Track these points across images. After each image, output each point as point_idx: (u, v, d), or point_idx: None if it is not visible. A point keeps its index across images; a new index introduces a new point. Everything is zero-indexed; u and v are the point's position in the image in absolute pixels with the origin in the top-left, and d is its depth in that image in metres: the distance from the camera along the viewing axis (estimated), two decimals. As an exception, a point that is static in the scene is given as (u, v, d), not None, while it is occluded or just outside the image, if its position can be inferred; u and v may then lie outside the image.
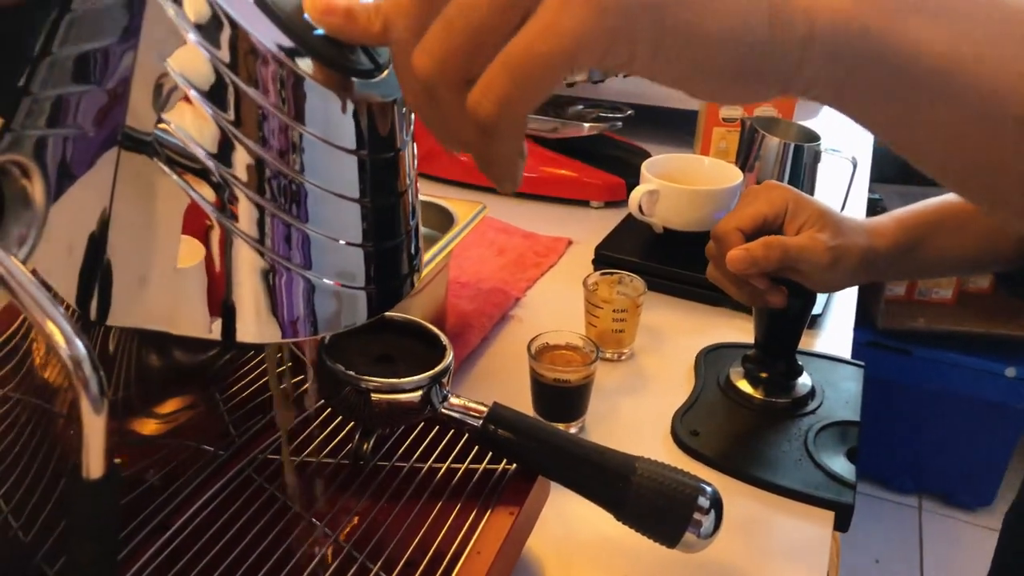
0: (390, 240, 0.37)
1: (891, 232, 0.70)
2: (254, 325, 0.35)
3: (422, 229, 0.82)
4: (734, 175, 0.95)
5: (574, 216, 1.11)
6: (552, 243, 1.02)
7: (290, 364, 0.60)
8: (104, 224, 0.33)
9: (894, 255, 0.70)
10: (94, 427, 0.28)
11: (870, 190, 1.80)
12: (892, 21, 0.32)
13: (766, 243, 0.67)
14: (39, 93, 0.31)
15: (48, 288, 0.31)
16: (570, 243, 1.03)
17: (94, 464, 0.29)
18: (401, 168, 0.36)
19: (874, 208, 1.77)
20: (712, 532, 0.52)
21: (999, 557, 0.81)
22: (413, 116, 0.38)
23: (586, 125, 1.13)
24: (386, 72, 0.34)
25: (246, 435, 0.58)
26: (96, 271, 0.34)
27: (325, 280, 0.35)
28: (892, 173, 2.12)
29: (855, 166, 1.02)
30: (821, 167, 1.01)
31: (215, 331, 0.35)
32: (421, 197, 0.81)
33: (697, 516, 0.51)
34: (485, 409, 0.55)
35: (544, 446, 0.54)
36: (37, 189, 0.29)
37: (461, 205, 0.79)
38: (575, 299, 0.83)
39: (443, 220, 0.78)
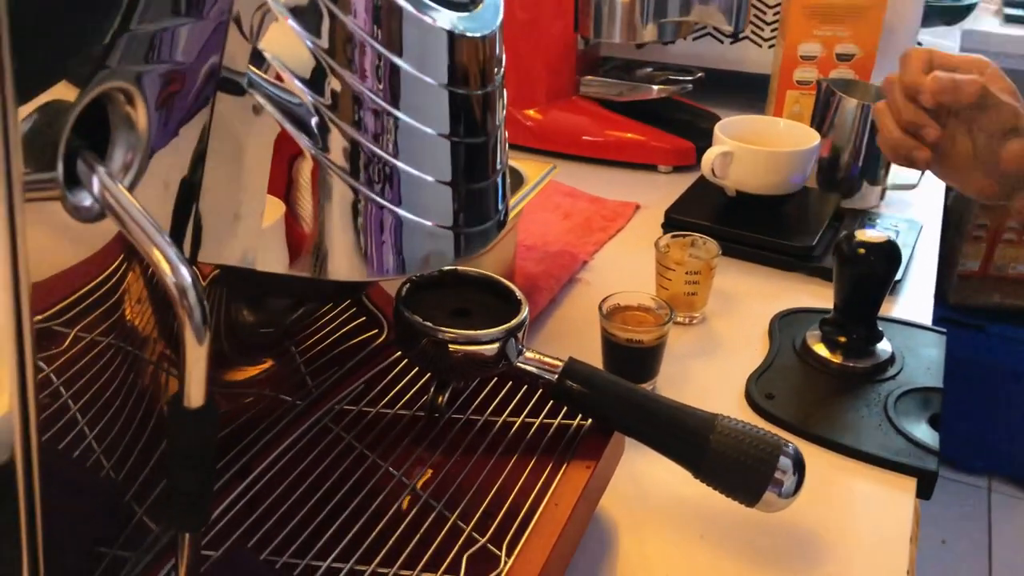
0: (479, 181, 0.36)
1: None
2: (345, 263, 0.35)
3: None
4: (811, 137, 0.92)
5: (642, 181, 1.09)
6: (620, 207, 1.01)
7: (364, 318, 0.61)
8: (198, 161, 0.33)
9: None
10: (196, 356, 0.28)
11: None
12: None
13: (968, 79, 0.64)
14: (137, 28, 0.31)
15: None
16: (638, 208, 1.02)
17: (195, 393, 0.29)
18: (491, 108, 0.35)
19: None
20: (794, 492, 0.51)
21: None
22: (504, 57, 0.37)
23: (655, 88, 1.11)
24: (481, 6, 0.34)
25: (323, 386, 0.58)
26: (190, 208, 0.34)
27: (414, 217, 0.35)
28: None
29: (937, 129, 0.98)
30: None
31: (306, 268, 0.35)
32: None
33: (779, 475, 0.50)
34: (561, 363, 0.54)
35: (621, 402, 0.53)
36: (141, 117, 0.29)
37: (530, 165, 0.78)
38: (643, 263, 0.82)
39: (514, 180, 0.77)
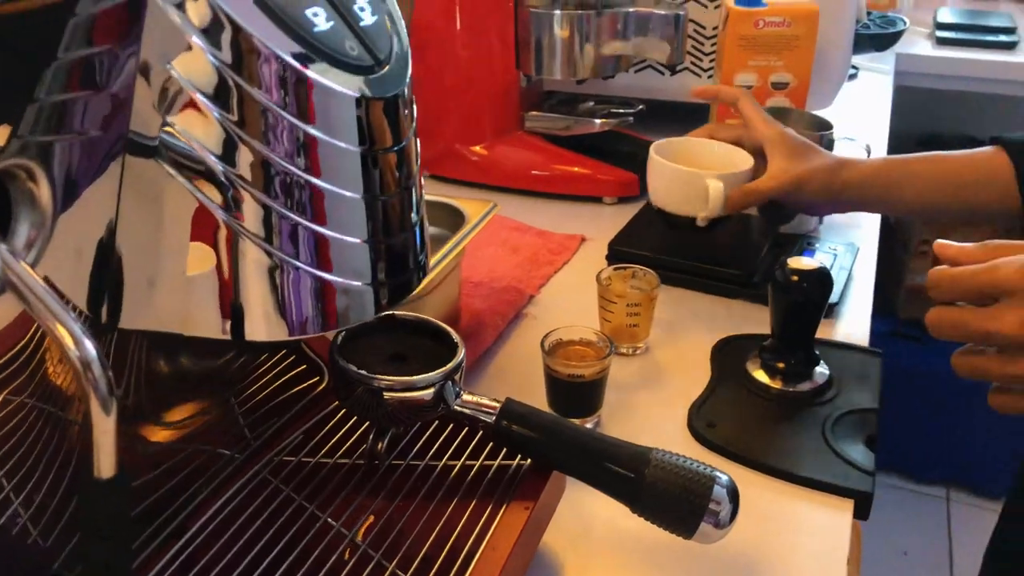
0: (396, 235, 0.37)
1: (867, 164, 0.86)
2: (263, 324, 0.35)
3: (433, 229, 0.83)
4: (743, 161, 0.93)
5: (588, 213, 1.10)
6: (566, 240, 1.02)
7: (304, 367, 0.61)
8: (112, 228, 0.34)
9: (866, 180, 0.85)
10: (104, 427, 0.28)
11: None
12: None
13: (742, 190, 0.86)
14: (44, 99, 0.32)
15: (58, 293, 0.32)
16: (584, 240, 1.03)
17: (105, 464, 0.29)
18: (404, 163, 0.36)
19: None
20: (729, 521, 0.52)
21: (994, 542, 0.81)
22: (415, 111, 0.38)
23: (597, 121, 1.13)
24: (387, 67, 0.34)
25: (261, 438, 0.58)
26: (105, 275, 0.34)
27: (332, 277, 0.35)
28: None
29: (869, 153, 1.01)
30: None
31: (225, 331, 0.35)
32: (432, 197, 0.82)
33: (713, 506, 0.51)
34: (498, 405, 0.55)
35: (557, 440, 0.54)
36: (44, 193, 0.29)
37: (472, 204, 0.79)
38: (589, 296, 0.83)
39: (454, 219, 0.78)
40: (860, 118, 1.40)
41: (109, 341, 0.43)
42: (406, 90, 0.35)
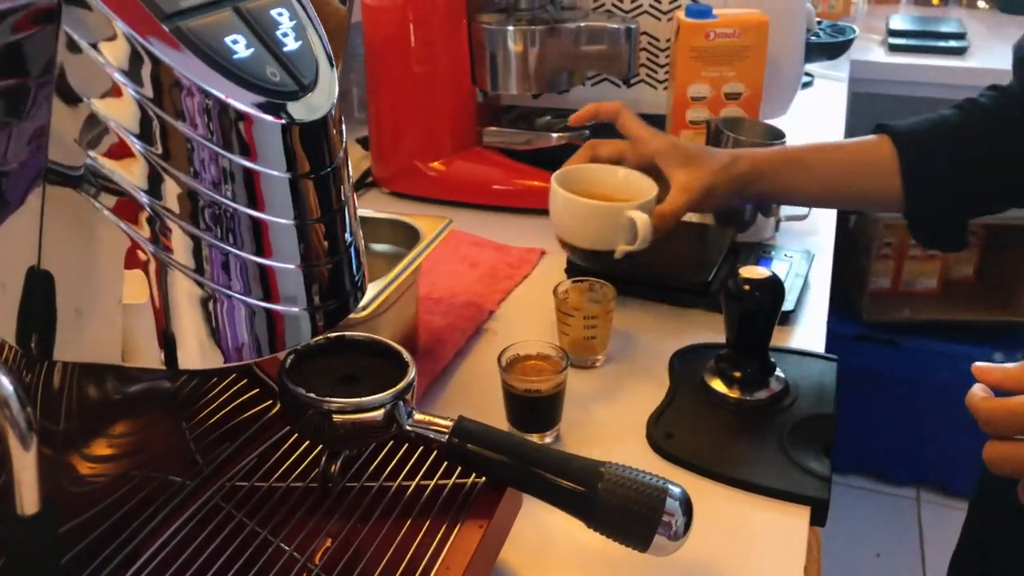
0: (328, 258, 0.37)
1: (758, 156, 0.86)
2: (197, 352, 0.35)
3: (388, 247, 0.83)
4: (649, 186, 0.84)
5: (546, 226, 1.09)
6: (525, 254, 1.02)
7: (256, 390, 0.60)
8: (36, 259, 0.33)
9: (759, 173, 0.85)
10: (24, 463, 0.28)
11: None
12: None
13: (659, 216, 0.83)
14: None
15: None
16: (543, 253, 1.03)
17: (27, 500, 0.29)
18: (334, 186, 0.36)
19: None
20: (683, 533, 0.52)
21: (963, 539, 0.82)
22: (344, 132, 0.38)
23: (554, 135, 1.13)
24: (312, 93, 0.34)
25: (213, 463, 0.58)
26: (32, 307, 0.34)
27: (266, 304, 0.35)
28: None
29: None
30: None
31: (160, 360, 0.35)
32: (386, 215, 0.82)
33: (666, 518, 0.51)
34: (450, 424, 0.55)
35: (510, 457, 0.54)
36: (-40, 229, 0.29)
37: (426, 221, 0.79)
38: (548, 309, 0.83)
39: (409, 237, 0.78)
40: (815, 125, 1.42)
41: (47, 368, 0.42)
42: (333, 112, 0.35)
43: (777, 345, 0.81)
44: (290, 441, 0.60)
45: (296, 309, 0.36)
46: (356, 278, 0.39)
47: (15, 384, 0.27)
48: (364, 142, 1.24)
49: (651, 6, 1.22)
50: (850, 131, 1.44)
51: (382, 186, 1.19)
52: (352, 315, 0.66)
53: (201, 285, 0.34)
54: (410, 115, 1.13)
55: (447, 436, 0.54)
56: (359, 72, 1.25)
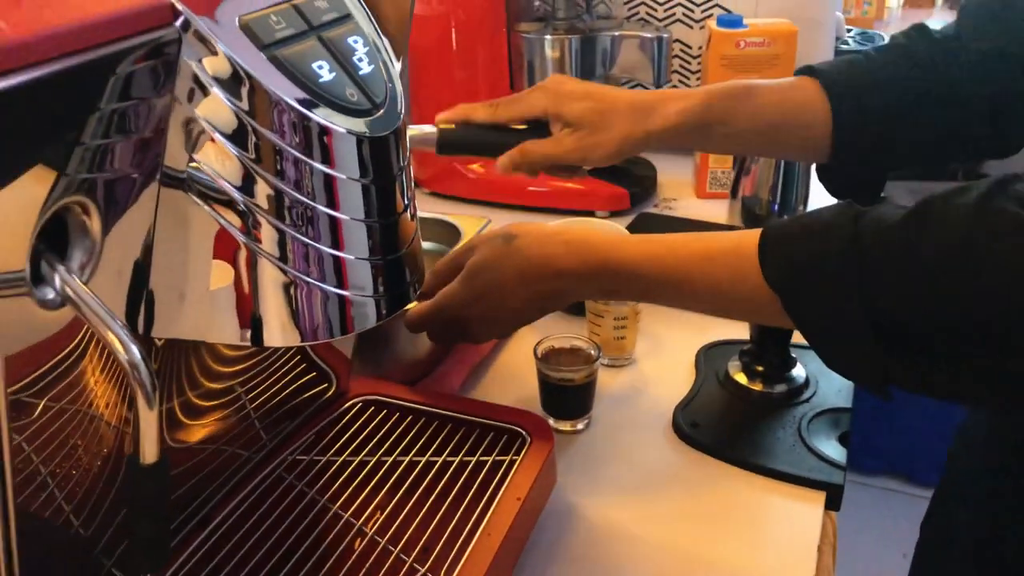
0: (393, 253, 0.42)
1: (679, 109, 0.73)
2: (279, 331, 0.41)
3: (432, 244, 0.88)
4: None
5: (580, 226, 1.15)
6: (559, 253, 1.07)
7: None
8: (148, 250, 0.39)
9: (678, 128, 0.73)
10: (148, 419, 0.33)
11: (876, 188, 1.83)
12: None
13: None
14: (89, 143, 0.37)
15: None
16: (577, 252, 1.08)
17: (148, 451, 0.34)
18: (398, 190, 0.41)
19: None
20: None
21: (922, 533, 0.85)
22: (409, 144, 0.43)
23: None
24: (382, 110, 0.40)
25: (276, 439, 0.63)
26: (141, 291, 0.40)
27: (339, 291, 0.41)
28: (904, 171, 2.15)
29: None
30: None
31: (245, 338, 0.41)
32: (430, 215, 0.87)
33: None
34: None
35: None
36: (94, 224, 0.35)
37: (467, 220, 0.85)
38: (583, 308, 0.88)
39: (451, 234, 0.83)
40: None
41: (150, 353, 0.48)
42: (399, 128, 0.41)
43: (800, 342, 0.85)
44: (344, 420, 0.66)
45: (364, 296, 0.41)
46: (415, 271, 0.44)
47: (142, 351, 0.33)
48: (406, 144, 1.29)
49: (684, 15, 1.27)
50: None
51: (423, 186, 1.24)
52: (400, 306, 0.72)
53: (285, 272, 0.39)
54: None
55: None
56: (403, 76, 1.31)
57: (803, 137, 0.75)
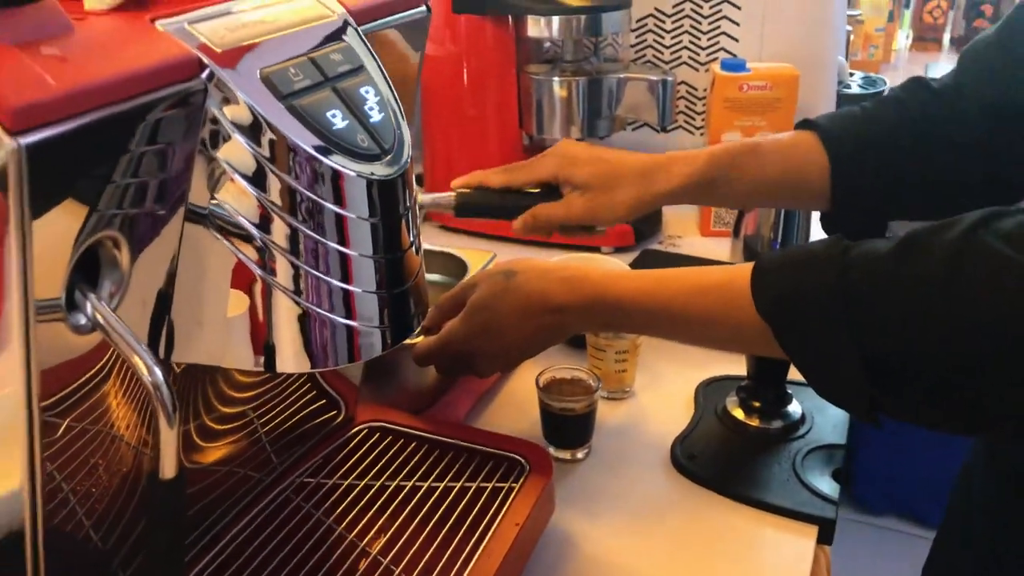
0: (399, 287, 0.45)
1: (684, 173, 0.77)
2: (291, 358, 0.43)
3: (439, 277, 0.91)
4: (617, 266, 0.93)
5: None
6: (565, 287, 1.10)
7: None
8: (171, 280, 0.42)
9: (686, 193, 0.78)
10: (168, 437, 0.36)
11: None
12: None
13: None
14: (120, 182, 0.40)
15: (129, 333, 0.40)
16: (582, 287, 1.11)
17: (168, 466, 0.37)
18: (404, 228, 0.44)
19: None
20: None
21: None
22: (414, 184, 0.46)
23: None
24: (391, 155, 0.43)
25: (286, 462, 0.66)
26: (163, 318, 0.43)
27: (348, 322, 0.44)
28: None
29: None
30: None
31: (258, 364, 0.43)
32: (438, 248, 0.90)
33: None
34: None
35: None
36: (124, 256, 0.38)
37: (473, 254, 0.88)
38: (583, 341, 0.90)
39: (457, 267, 0.86)
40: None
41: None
42: (406, 170, 0.44)
43: (796, 378, 0.87)
44: (351, 445, 0.68)
45: (371, 327, 0.44)
46: (419, 304, 0.47)
47: (165, 373, 0.36)
48: (419, 179, 1.33)
49: (690, 58, 1.31)
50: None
51: (433, 220, 1.28)
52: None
53: (298, 304, 0.42)
54: (461, 155, 1.22)
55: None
56: (415, 114, 1.35)
57: (804, 191, 0.79)
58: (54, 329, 0.37)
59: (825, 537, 0.71)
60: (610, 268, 0.73)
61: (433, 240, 1.23)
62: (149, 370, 0.36)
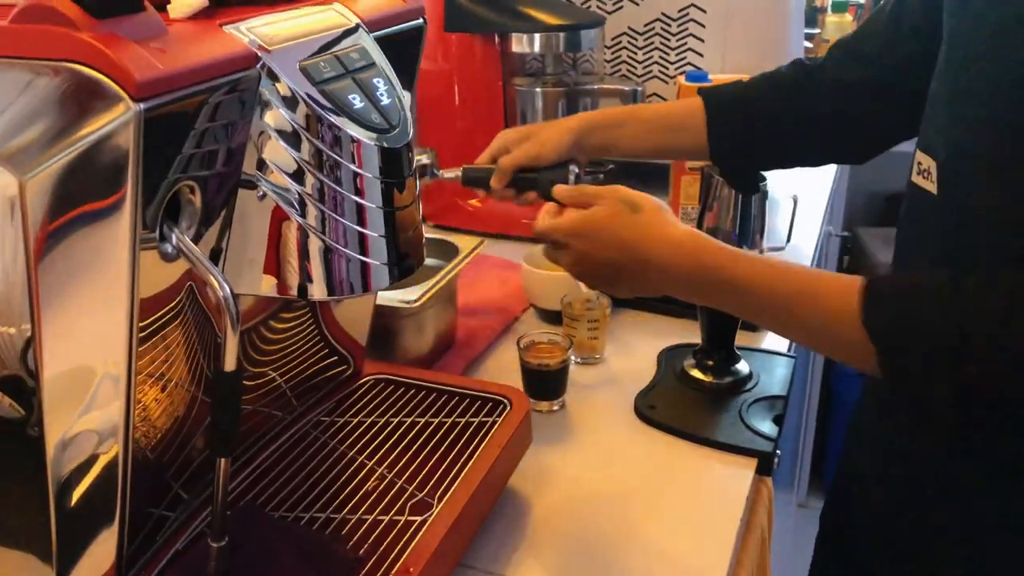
0: (403, 233, 0.57)
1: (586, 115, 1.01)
2: (319, 288, 0.56)
3: (433, 260, 1.03)
4: None
5: (566, 254, 1.31)
6: (547, 275, 1.22)
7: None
8: (227, 226, 0.54)
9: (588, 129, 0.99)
10: (232, 339, 0.48)
11: (845, 229, 1.99)
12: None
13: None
14: (198, 141, 0.52)
15: (197, 264, 0.53)
16: (562, 275, 1.23)
17: (230, 361, 0.49)
18: (408, 188, 0.57)
19: (844, 245, 1.96)
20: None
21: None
22: (414, 155, 0.59)
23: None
24: (397, 130, 0.56)
25: (305, 404, 0.78)
26: (219, 255, 0.55)
27: (363, 258, 0.56)
28: (875, 217, 2.32)
29: (796, 202, 1.22)
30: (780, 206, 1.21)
31: (294, 293, 0.56)
32: (432, 235, 1.03)
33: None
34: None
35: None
36: (198, 199, 0.50)
37: (464, 239, 1.00)
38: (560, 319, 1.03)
39: (450, 252, 0.99)
40: (799, 173, 1.61)
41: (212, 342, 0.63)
42: (410, 141, 0.56)
43: (749, 345, 1.00)
44: (359, 392, 0.81)
45: (379, 263, 0.57)
46: (419, 250, 0.60)
47: (232, 289, 0.48)
48: (414, 184, 1.46)
49: (660, 72, 1.44)
50: (837, 184, 1.63)
51: (428, 220, 1.40)
52: (404, 306, 0.88)
53: (323, 241, 0.54)
54: (452, 161, 1.35)
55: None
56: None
57: (684, 142, 1.01)
58: (150, 257, 0.49)
59: (765, 469, 0.83)
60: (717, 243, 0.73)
61: (429, 234, 1.36)
62: (220, 285, 0.48)
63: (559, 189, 0.80)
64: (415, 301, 0.89)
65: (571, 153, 1.00)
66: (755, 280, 0.65)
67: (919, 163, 0.74)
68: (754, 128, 0.97)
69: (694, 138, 0.99)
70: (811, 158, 1.05)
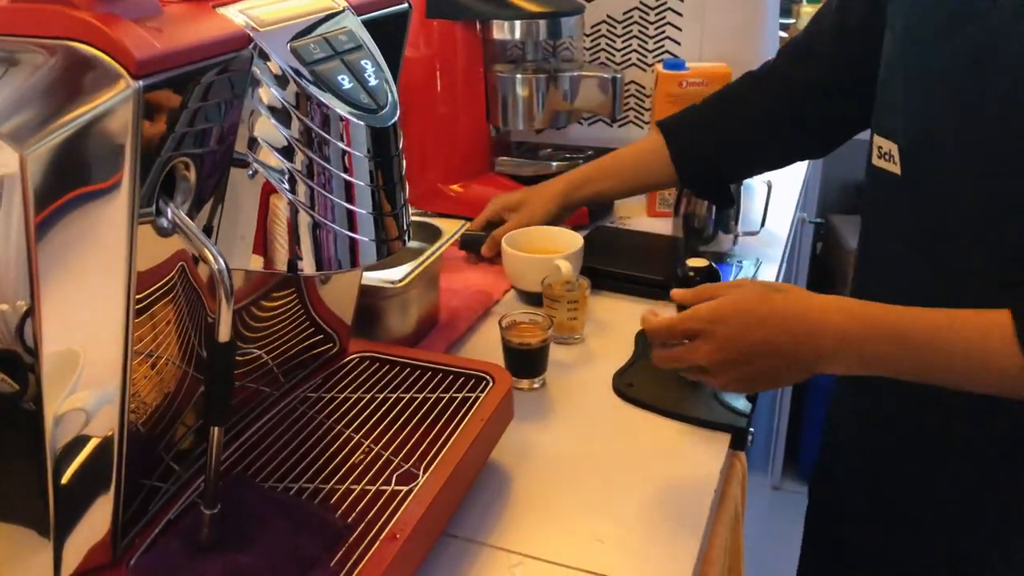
0: (390, 211, 0.59)
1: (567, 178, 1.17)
2: (308, 263, 0.58)
3: (416, 243, 1.05)
4: (574, 240, 1.11)
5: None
6: (527, 259, 1.25)
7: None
8: (219, 203, 0.56)
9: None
10: (226, 311, 0.50)
11: (818, 216, 2.03)
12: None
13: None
14: (193, 118, 0.54)
15: (191, 239, 0.54)
16: (542, 259, 1.26)
17: (223, 332, 0.51)
18: (394, 166, 0.59)
19: (818, 232, 2.00)
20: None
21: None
22: (402, 138, 0.61)
23: (554, 164, 1.37)
24: (384, 110, 0.57)
25: (292, 381, 0.80)
26: (213, 233, 0.57)
27: (350, 233, 0.58)
28: (848, 205, 2.36)
29: (770, 188, 1.25)
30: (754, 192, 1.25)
31: (283, 267, 0.58)
32: (417, 218, 1.05)
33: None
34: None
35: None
36: (192, 175, 0.52)
37: (446, 222, 1.02)
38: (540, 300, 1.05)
39: (433, 234, 1.01)
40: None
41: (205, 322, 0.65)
42: (396, 123, 0.58)
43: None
44: (345, 369, 0.83)
45: (367, 239, 0.59)
46: (405, 227, 0.62)
47: (227, 263, 0.50)
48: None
49: (638, 60, 1.47)
50: (811, 172, 1.66)
51: (412, 205, 1.42)
52: (389, 286, 0.90)
53: (313, 218, 0.56)
54: (435, 147, 1.37)
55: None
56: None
57: (657, 178, 1.13)
58: (146, 232, 0.51)
59: (738, 443, 0.86)
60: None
61: (413, 218, 1.38)
62: (215, 259, 0.50)
63: (678, 293, 0.78)
64: (399, 281, 0.91)
65: (560, 215, 1.15)
66: (924, 330, 0.66)
67: (879, 147, 0.77)
68: (713, 147, 1.06)
69: (666, 171, 1.09)
70: (775, 161, 1.11)
